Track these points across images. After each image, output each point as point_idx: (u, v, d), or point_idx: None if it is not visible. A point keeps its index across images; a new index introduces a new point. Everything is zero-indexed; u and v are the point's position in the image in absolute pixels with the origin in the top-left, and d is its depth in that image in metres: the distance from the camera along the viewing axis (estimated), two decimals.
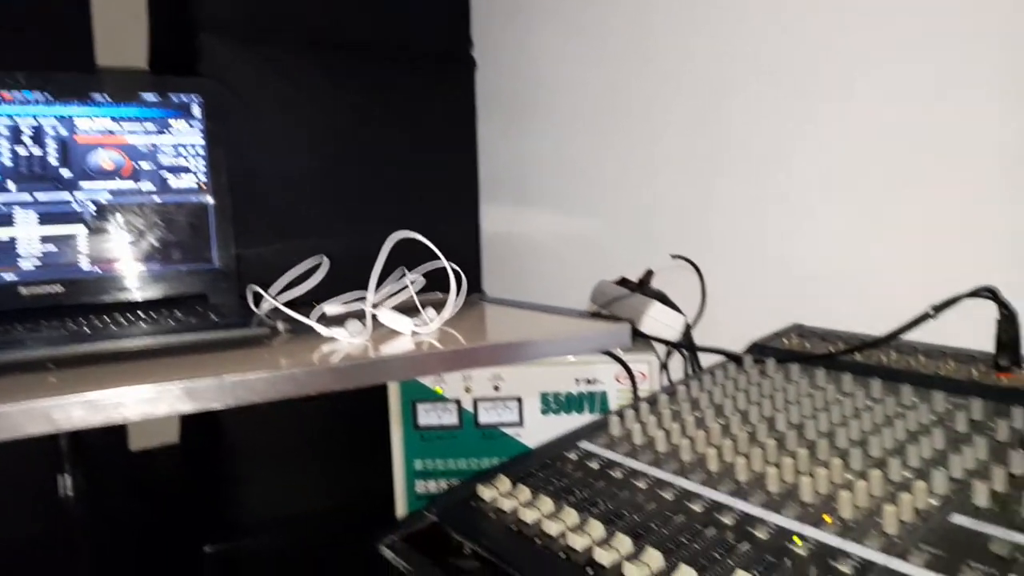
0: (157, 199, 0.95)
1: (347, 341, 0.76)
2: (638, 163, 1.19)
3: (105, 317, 0.80)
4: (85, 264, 0.91)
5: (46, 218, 0.90)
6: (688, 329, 0.96)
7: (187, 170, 0.96)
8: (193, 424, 1.39)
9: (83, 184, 0.91)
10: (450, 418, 0.96)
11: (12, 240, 0.88)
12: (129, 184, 0.94)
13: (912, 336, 0.74)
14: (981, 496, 0.49)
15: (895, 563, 0.45)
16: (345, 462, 1.26)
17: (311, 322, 0.79)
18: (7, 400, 0.53)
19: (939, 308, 0.70)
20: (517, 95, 1.39)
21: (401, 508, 0.99)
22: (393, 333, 0.80)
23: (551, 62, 1.33)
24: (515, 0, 1.38)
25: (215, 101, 0.99)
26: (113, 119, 0.93)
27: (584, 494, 0.59)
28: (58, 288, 0.89)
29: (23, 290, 0.87)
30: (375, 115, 1.24)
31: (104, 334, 0.72)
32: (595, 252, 1.29)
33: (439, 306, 0.84)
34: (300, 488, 1.22)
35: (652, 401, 0.75)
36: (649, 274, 1.07)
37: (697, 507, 0.54)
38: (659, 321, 0.94)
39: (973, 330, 0.72)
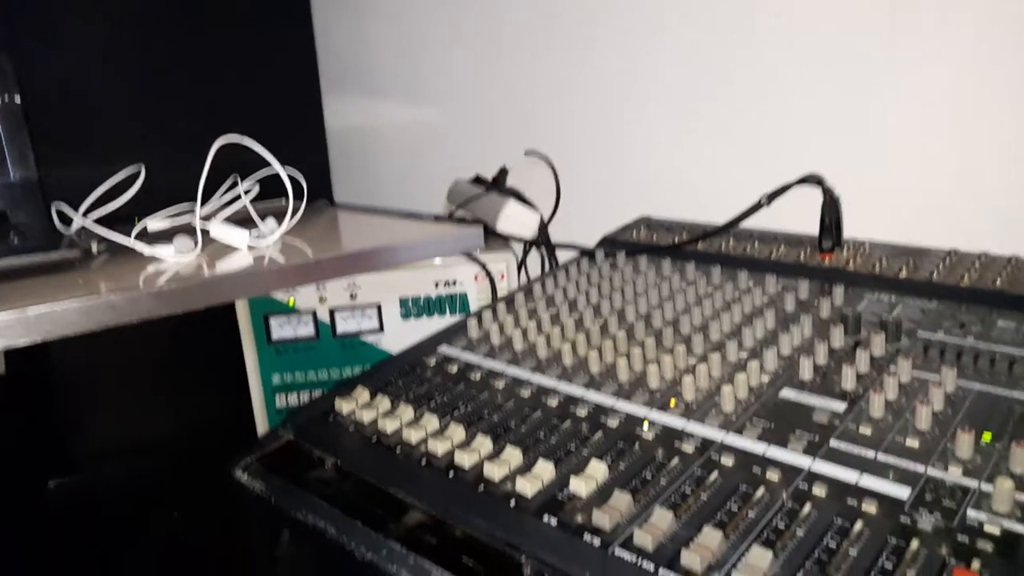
0: None
1: (173, 260, 0.69)
2: (487, 53, 1.14)
3: None
4: None
5: None
6: (544, 226, 0.97)
7: None
8: (18, 354, 1.26)
9: None
10: (305, 330, 0.93)
11: None
12: None
13: (749, 224, 0.78)
14: (806, 371, 0.54)
15: (731, 438, 0.48)
16: (194, 383, 1.19)
17: (130, 241, 0.70)
18: None
19: (772, 196, 0.74)
20: None
21: (262, 426, 0.96)
22: (227, 248, 0.74)
23: None
24: None
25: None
26: None
27: (444, 399, 0.59)
28: None
29: None
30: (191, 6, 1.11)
31: None
32: (449, 147, 1.25)
33: (280, 216, 0.78)
34: (147, 414, 1.15)
35: (509, 300, 0.75)
36: (504, 172, 1.06)
37: (553, 402, 0.55)
38: (515, 219, 0.94)
39: (801, 215, 0.77)
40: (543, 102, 1.10)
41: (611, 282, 0.76)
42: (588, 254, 0.85)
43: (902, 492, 0.41)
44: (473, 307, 0.94)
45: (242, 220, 0.76)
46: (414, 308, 0.93)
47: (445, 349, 0.68)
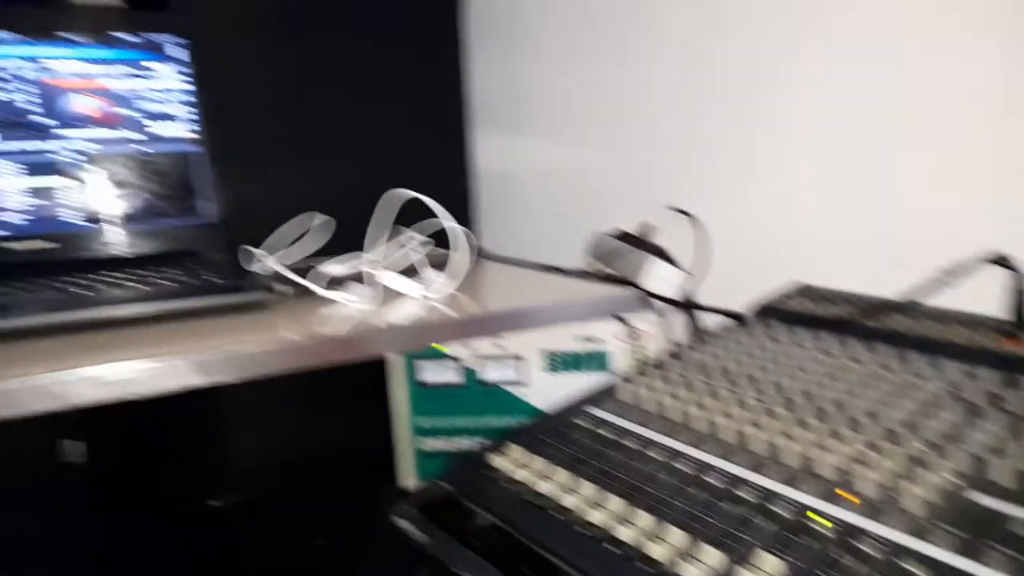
0: (140, 148, 0.90)
1: (356, 307, 0.73)
2: (638, 102, 1.15)
3: (92, 276, 0.77)
4: (70, 218, 0.87)
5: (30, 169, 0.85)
6: (689, 288, 0.96)
7: (171, 116, 0.92)
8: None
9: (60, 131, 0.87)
10: (453, 375, 0.96)
11: None
12: (108, 132, 0.89)
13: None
14: (999, 473, 0.50)
15: (920, 545, 0.45)
16: (336, 412, 1.25)
17: (319, 288, 0.75)
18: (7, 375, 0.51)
19: (954, 275, 0.70)
20: (513, 16, 1.33)
21: (407, 466, 0.99)
22: (395, 296, 0.77)
23: None
24: None
25: (187, 36, 0.93)
26: (86, 60, 0.88)
27: (600, 464, 0.59)
28: (42, 244, 0.85)
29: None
30: (351, 41, 1.18)
31: (98, 299, 0.69)
32: (589, 194, 1.26)
33: (438, 265, 0.81)
34: (287, 442, 1.21)
35: (659, 365, 0.74)
36: (650, 228, 1.06)
37: (714, 480, 0.54)
38: (662, 279, 0.93)
39: (973, 293, 0.71)
40: (685, 157, 1.09)
41: (769, 353, 0.74)
42: (740, 320, 0.83)
43: None
44: (612, 365, 0.94)
45: (406, 268, 0.81)
46: (556, 362, 0.94)
47: (596, 411, 0.68)
